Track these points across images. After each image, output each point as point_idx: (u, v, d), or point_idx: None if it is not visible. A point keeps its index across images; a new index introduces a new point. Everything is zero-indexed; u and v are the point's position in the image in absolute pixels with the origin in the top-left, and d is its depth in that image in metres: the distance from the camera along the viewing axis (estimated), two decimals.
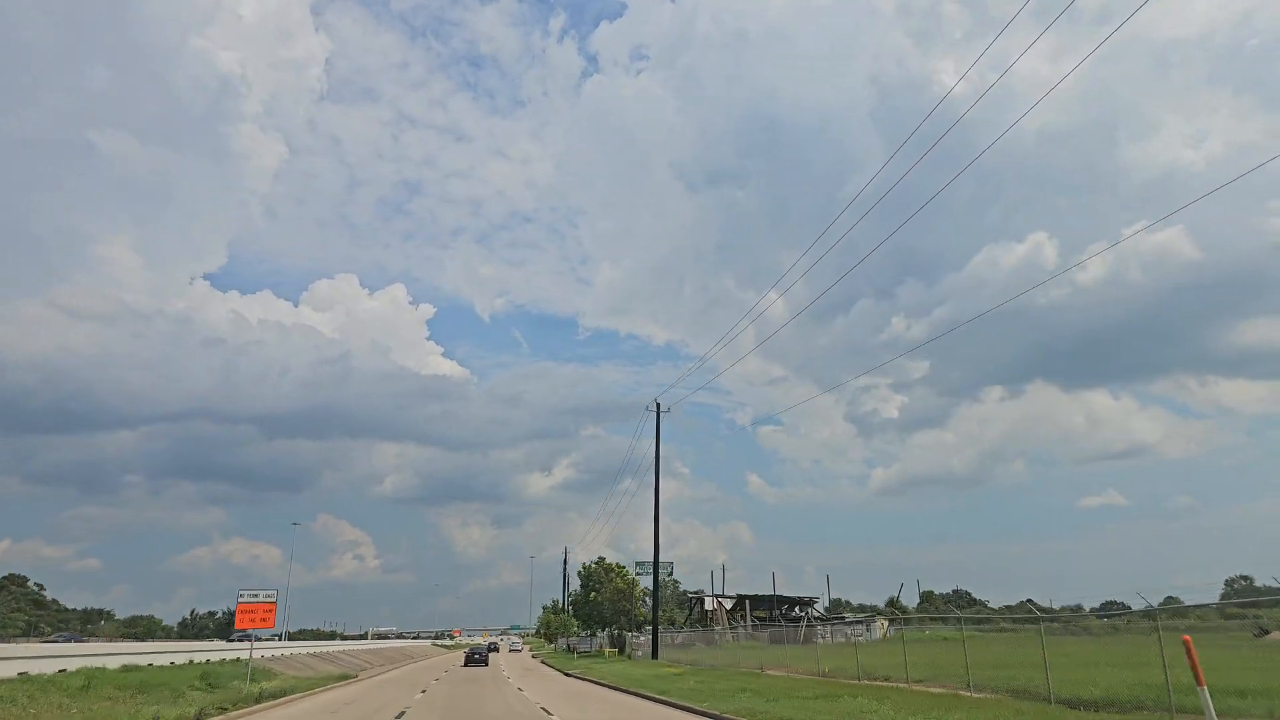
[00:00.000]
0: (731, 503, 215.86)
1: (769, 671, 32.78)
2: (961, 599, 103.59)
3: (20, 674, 21.12)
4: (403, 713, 21.17)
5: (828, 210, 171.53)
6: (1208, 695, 11.12)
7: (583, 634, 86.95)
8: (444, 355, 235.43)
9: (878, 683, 24.59)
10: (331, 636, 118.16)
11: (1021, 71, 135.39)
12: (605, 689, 30.90)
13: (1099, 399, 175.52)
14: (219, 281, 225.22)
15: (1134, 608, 29.12)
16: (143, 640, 69.52)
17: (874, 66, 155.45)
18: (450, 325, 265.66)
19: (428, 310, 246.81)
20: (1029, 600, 76.67)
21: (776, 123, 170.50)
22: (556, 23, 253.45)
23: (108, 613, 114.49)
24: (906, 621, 64.30)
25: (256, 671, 29.64)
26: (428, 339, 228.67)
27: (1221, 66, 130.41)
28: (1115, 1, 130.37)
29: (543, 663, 64.84)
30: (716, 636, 58.16)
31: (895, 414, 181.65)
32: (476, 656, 59.31)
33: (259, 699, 23.61)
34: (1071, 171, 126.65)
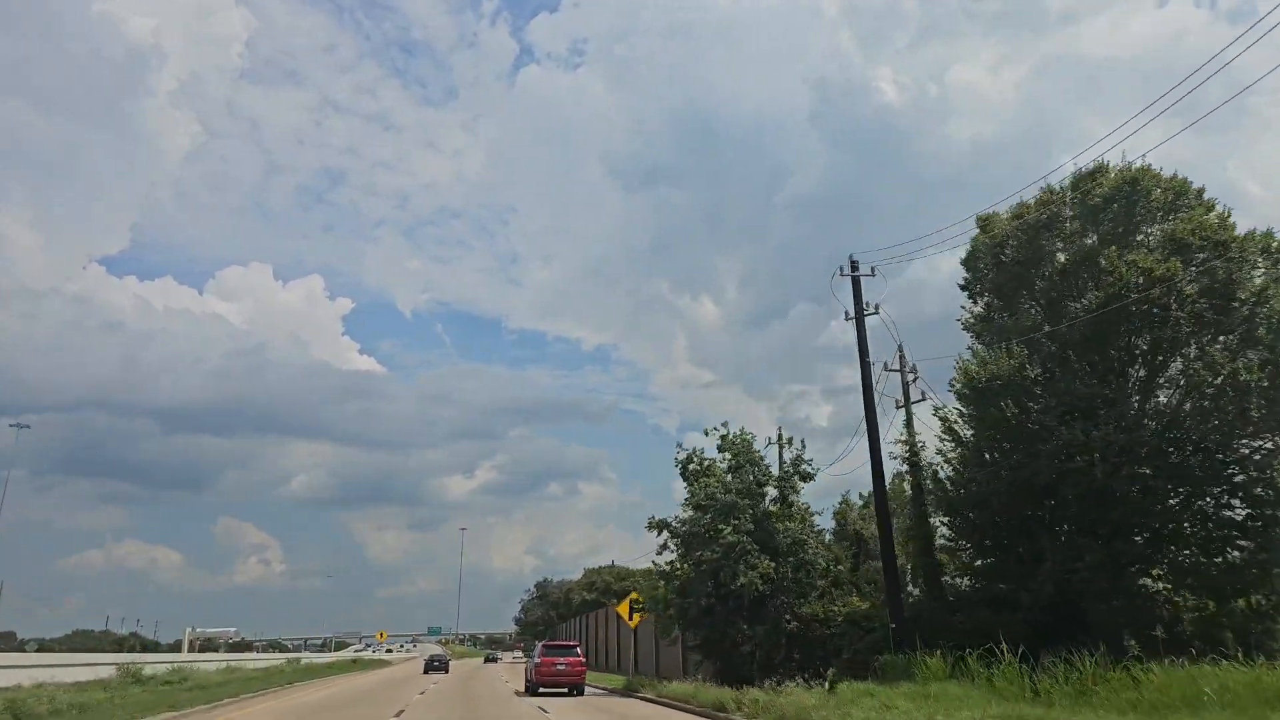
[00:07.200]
0: (658, 510, 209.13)
1: None
2: None
3: None
4: None
5: (765, 213, 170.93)
6: None
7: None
8: (360, 351, 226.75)
9: None
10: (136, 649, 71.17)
11: (959, 83, 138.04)
12: None
13: None
14: (116, 265, 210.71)
15: None
16: None
17: (818, 69, 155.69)
18: (370, 321, 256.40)
19: (345, 304, 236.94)
20: None
21: (715, 123, 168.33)
22: (490, 5, 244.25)
23: None
24: None
25: None
26: (343, 334, 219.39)
27: (1153, 87, 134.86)
28: (1058, 13, 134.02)
29: None
30: None
31: (825, 422, 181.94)
32: (436, 664, 55.00)
33: None
34: (1004, 181, 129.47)
